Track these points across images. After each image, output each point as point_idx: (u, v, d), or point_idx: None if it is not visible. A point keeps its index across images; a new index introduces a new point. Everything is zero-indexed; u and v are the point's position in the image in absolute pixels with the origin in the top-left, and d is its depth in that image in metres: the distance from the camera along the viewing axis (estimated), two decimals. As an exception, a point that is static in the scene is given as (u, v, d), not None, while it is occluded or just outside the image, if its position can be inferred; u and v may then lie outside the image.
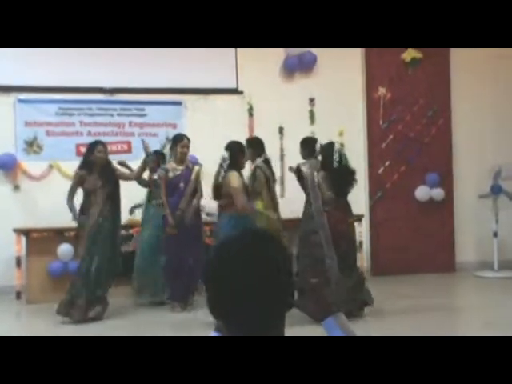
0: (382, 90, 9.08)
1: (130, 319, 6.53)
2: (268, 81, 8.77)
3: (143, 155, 6.88)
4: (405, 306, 6.80)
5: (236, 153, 5.96)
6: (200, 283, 6.75)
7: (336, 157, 6.20)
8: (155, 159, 7.15)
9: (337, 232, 6.06)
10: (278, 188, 8.26)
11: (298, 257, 6.09)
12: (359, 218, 8.10)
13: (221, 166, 5.82)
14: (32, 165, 8.17)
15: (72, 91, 8.29)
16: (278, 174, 8.39)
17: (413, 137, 9.12)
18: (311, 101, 8.99)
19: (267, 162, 6.49)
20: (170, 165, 6.92)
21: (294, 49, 8.71)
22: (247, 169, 6.60)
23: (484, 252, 9.08)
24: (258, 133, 8.11)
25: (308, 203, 6.27)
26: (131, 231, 7.49)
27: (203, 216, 7.31)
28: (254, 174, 6.35)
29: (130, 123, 8.52)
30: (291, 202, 6.55)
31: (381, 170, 9.10)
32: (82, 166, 6.46)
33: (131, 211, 7.62)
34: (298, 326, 4.35)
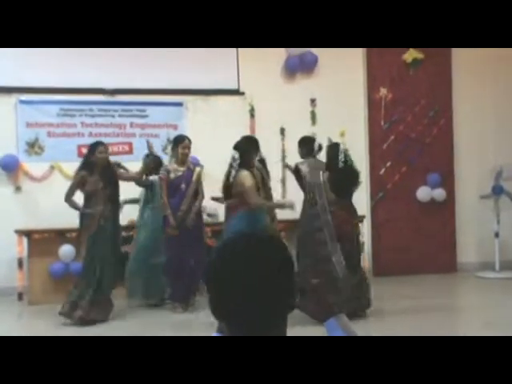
0: (383, 91, 9.08)
1: (131, 320, 6.53)
2: (269, 81, 8.77)
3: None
4: (406, 306, 6.80)
5: (245, 152, 5.93)
6: (201, 284, 6.77)
7: (341, 157, 6.21)
8: (151, 162, 7.12)
9: (341, 232, 6.09)
10: (279, 188, 8.29)
11: (298, 257, 6.10)
12: (360, 219, 8.10)
13: (231, 165, 5.80)
14: (33, 166, 8.18)
15: (73, 92, 8.29)
16: (279, 175, 8.43)
17: (414, 137, 9.12)
18: (312, 101, 8.99)
19: (262, 161, 6.48)
20: (172, 166, 6.92)
21: (295, 49, 8.71)
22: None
23: (485, 253, 9.08)
24: (259, 133, 8.11)
25: (307, 202, 6.28)
26: (131, 233, 7.47)
27: (204, 217, 7.31)
28: None
29: (131, 124, 8.53)
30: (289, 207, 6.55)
31: (382, 171, 9.10)
32: (82, 167, 6.44)
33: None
34: (299, 327, 4.35)
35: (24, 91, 8.19)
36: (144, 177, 7.09)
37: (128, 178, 6.90)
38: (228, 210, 6.00)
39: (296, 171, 6.62)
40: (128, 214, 7.32)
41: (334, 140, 6.70)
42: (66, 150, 8.21)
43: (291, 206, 6.05)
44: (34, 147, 8.21)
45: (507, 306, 6.88)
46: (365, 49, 9.04)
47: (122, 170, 6.91)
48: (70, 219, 6.67)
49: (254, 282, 1.46)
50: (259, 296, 1.46)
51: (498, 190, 8.89)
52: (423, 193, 9.06)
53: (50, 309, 6.62)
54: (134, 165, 7.21)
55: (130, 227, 7.44)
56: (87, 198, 6.41)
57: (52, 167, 8.25)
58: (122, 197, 6.84)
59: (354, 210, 6.43)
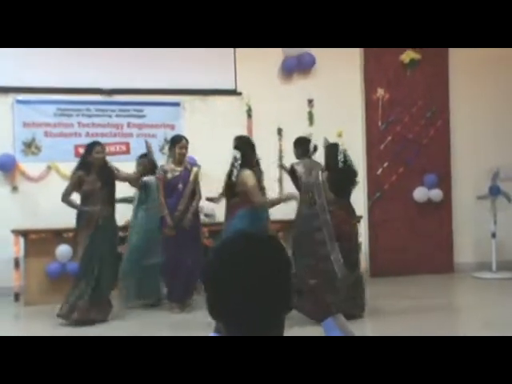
0: (380, 92, 9.09)
1: (129, 320, 6.52)
2: (266, 82, 8.77)
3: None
4: (403, 306, 6.80)
5: (247, 151, 5.93)
6: (199, 283, 6.78)
7: (341, 157, 6.22)
8: (144, 162, 7.12)
9: (340, 232, 6.11)
10: (276, 188, 8.29)
11: (295, 257, 6.10)
12: (358, 219, 8.10)
13: (233, 165, 5.79)
14: (30, 166, 8.16)
15: (70, 92, 8.28)
16: (276, 175, 8.44)
17: (411, 138, 9.13)
18: (310, 102, 8.99)
19: (257, 162, 6.47)
20: (169, 166, 6.92)
21: (292, 50, 8.71)
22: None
23: (482, 253, 9.09)
24: (256, 134, 8.12)
25: (303, 203, 6.29)
26: (128, 233, 7.44)
27: (201, 217, 7.30)
28: None
29: (129, 124, 8.52)
30: (290, 202, 6.54)
31: (379, 171, 9.11)
32: (79, 167, 6.43)
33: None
34: (296, 327, 4.35)
35: (21, 91, 8.17)
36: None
37: (126, 179, 6.89)
38: (229, 210, 5.99)
39: (291, 172, 6.63)
40: (124, 215, 7.31)
41: (331, 141, 6.72)
42: (63, 149, 8.20)
43: (293, 198, 6.04)
44: (30, 147, 8.19)
45: (504, 305, 6.89)
46: (362, 50, 9.04)
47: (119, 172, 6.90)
48: (67, 219, 6.65)
49: (251, 282, 1.46)
50: (257, 296, 1.46)
51: (494, 191, 8.90)
52: (420, 193, 9.07)
53: (47, 309, 6.61)
54: (131, 165, 7.20)
55: (126, 227, 7.43)
56: (84, 198, 6.39)
57: (49, 167, 8.23)
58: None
59: (353, 210, 6.45)
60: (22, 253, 7.57)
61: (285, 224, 7.28)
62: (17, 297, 7.58)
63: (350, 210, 6.39)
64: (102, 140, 7.09)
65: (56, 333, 5.85)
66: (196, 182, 6.93)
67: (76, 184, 6.38)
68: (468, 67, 9.20)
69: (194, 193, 6.90)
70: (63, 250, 7.37)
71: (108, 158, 6.70)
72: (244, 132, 8.27)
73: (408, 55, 9.07)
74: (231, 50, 8.58)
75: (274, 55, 8.68)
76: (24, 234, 7.52)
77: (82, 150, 7.07)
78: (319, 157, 6.90)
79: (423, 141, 9.14)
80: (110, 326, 6.20)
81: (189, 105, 8.62)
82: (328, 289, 5.71)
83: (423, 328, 5.76)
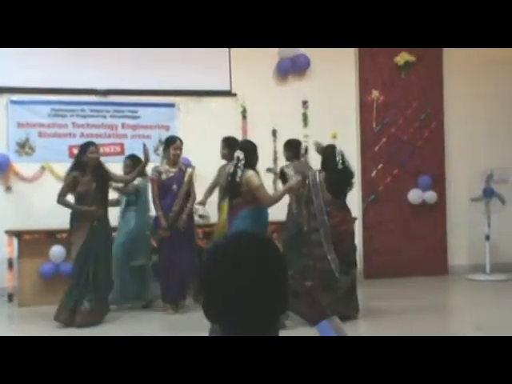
0: (375, 93, 9.10)
1: (122, 321, 6.50)
2: (261, 83, 8.76)
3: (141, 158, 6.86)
4: (397, 308, 6.81)
5: (250, 152, 5.92)
6: (192, 285, 6.78)
7: (339, 158, 6.23)
8: (131, 164, 7.10)
9: (337, 232, 6.12)
10: (270, 190, 8.28)
11: (290, 259, 6.10)
12: (353, 221, 8.11)
13: (236, 166, 5.79)
14: (24, 166, 8.13)
15: (65, 93, 8.26)
16: (271, 177, 8.43)
17: (406, 140, 9.14)
18: (304, 103, 8.99)
19: None
20: (163, 167, 6.91)
21: (287, 51, 8.72)
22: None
23: (476, 255, 9.10)
24: (251, 135, 8.12)
25: (292, 205, 6.32)
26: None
27: (196, 218, 7.29)
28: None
29: (123, 125, 8.50)
30: (282, 204, 6.54)
31: (374, 173, 9.12)
32: (74, 168, 6.39)
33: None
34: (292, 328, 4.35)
35: (15, 91, 8.15)
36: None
37: (121, 180, 6.88)
38: (232, 210, 5.96)
39: (282, 174, 6.65)
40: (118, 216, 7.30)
41: (326, 142, 6.74)
42: (57, 150, 8.17)
43: (299, 183, 5.97)
44: (24, 147, 8.17)
45: (498, 308, 6.90)
46: (357, 51, 9.06)
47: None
48: (61, 220, 6.63)
49: (245, 283, 1.46)
50: (251, 298, 1.46)
51: (488, 193, 8.92)
52: (414, 195, 9.08)
53: (40, 310, 6.59)
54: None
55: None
56: (79, 199, 6.35)
57: (43, 168, 8.21)
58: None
59: (349, 211, 6.46)
60: (15, 253, 7.54)
61: (279, 225, 7.28)
62: (10, 297, 7.55)
63: (347, 210, 6.41)
64: (97, 141, 7.07)
65: (50, 333, 5.82)
66: (190, 182, 6.92)
67: (71, 185, 6.35)
68: (462, 69, 9.23)
69: (189, 194, 6.89)
70: (57, 250, 7.34)
71: (102, 159, 6.68)
72: (239, 133, 8.28)
73: (402, 57, 9.09)
74: (226, 51, 8.58)
75: (269, 57, 8.68)
76: (18, 234, 7.49)
77: (76, 151, 7.02)
78: (311, 160, 6.93)
79: (418, 143, 9.16)
80: (103, 328, 6.18)
81: (183, 106, 8.61)
82: (325, 289, 5.72)
83: (417, 329, 5.76)
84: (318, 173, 6.30)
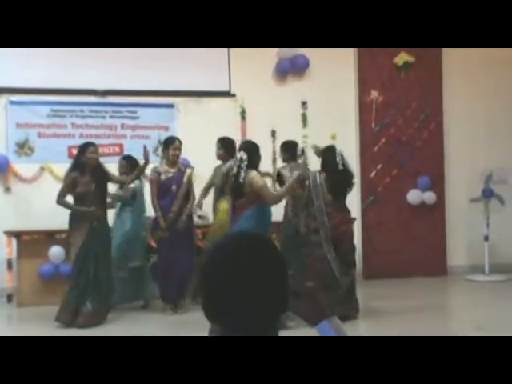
0: (374, 94, 9.10)
1: (121, 321, 6.49)
2: (260, 84, 8.76)
3: (141, 159, 6.85)
4: (397, 308, 6.81)
5: (253, 153, 5.92)
6: (190, 286, 6.78)
7: (339, 159, 6.24)
8: (126, 164, 7.10)
9: (337, 233, 6.13)
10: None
11: (289, 260, 6.11)
12: (352, 221, 8.11)
13: (239, 166, 5.79)
14: (23, 167, 8.13)
15: (64, 93, 8.26)
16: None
17: (405, 140, 9.14)
18: (303, 104, 8.99)
19: None
20: (162, 167, 6.91)
21: (286, 52, 8.72)
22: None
23: (475, 256, 9.10)
24: (250, 136, 8.11)
25: (287, 207, 6.34)
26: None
27: (195, 219, 7.29)
28: (226, 175, 6.29)
29: (122, 125, 8.50)
30: (280, 206, 6.54)
31: (373, 174, 9.12)
32: (73, 168, 6.38)
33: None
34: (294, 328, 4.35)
35: (14, 92, 8.15)
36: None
37: (119, 181, 6.88)
38: (235, 211, 5.96)
39: (278, 176, 6.65)
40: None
41: (325, 143, 6.75)
42: (57, 151, 8.17)
43: (300, 178, 5.96)
44: (23, 148, 8.17)
45: (497, 308, 6.91)
46: (356, 51, 9.06)
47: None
48: (60, 220, 6.63)
49: (245, 283, 1.46)
50: (251, 298, 1.46)
51: (488, 194, 8.92)
52: (413, 196, 9.09)
53: (39, 311, 6.59)
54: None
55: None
56: (78, 200, 6.34)
57: (42, 168, 8.20)
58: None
59: (348, 212, 6.47)
60: (14, 254, 7.54)
61: (277, 226, 7.27)
62: (9, 298, 7.55)
63: (346, 211, 6.42)
64: (96, 141, 7.06)
65: (49, 333, 5.82)
66: (190, 183, 6.92)
67: (70, 185, 6.33)
68: (462, 69, 9.24)
69: (188, 194, 6.89)
70: (56, 251, 7.34)
71: (101, 159, 6.68)
72: (238, 134, 8.28)
73: (402, 58, 9.10)
74: (225, 52, 8.58)
75: (268, 57, 8.68)
76: (17, 235, 7.49)
77: (75, 151, 7.02)
78: (310, 162, 6.93)
79: (417, 143, 9.16)
80: (103, 328, 6.17)
81: (183, 106, 8.61)
82: (325, 290, 5.72)
83: (417, 329, 5.77)
84: (318, 174, 6.30)
